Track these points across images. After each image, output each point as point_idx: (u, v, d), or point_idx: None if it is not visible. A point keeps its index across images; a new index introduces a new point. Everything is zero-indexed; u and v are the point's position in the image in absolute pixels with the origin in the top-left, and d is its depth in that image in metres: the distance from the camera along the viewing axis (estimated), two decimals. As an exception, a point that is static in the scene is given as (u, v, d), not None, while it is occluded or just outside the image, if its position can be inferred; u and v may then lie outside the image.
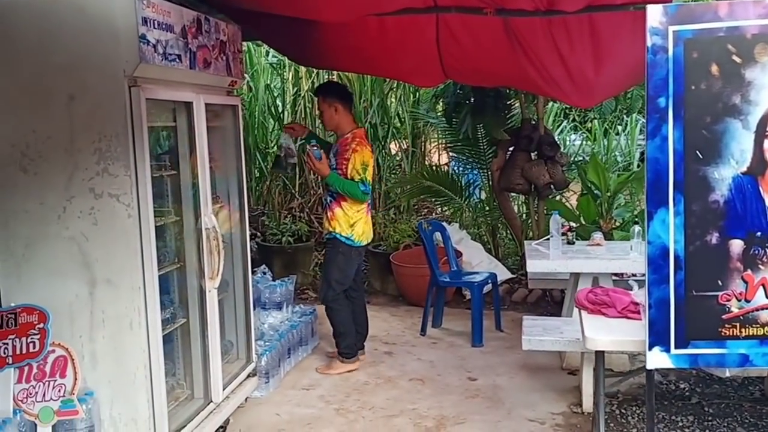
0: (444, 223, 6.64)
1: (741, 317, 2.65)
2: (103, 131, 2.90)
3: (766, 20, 2.52)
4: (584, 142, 9.34)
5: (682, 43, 2.57)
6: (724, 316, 2.66)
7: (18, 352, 2.88)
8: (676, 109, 2.60)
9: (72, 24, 2.86)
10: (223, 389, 3.74)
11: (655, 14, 2.58)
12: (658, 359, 2.71)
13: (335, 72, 7.68)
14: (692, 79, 2.59)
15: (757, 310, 2.64)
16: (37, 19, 2.90)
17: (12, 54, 2.93)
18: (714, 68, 2.57)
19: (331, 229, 4.66)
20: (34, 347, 2.88)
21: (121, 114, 2.88)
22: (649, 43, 2.59)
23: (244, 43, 7.64)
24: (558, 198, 7.20)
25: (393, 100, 8.32)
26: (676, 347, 2.69)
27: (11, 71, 2.95)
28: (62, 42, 2.88)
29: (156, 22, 2.93)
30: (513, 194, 7.13)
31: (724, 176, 2.61)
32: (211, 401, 3.63)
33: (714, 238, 2.63)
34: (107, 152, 2.91)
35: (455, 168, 8.18)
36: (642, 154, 9.20)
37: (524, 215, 7.46)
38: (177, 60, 3.12)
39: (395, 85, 8.01)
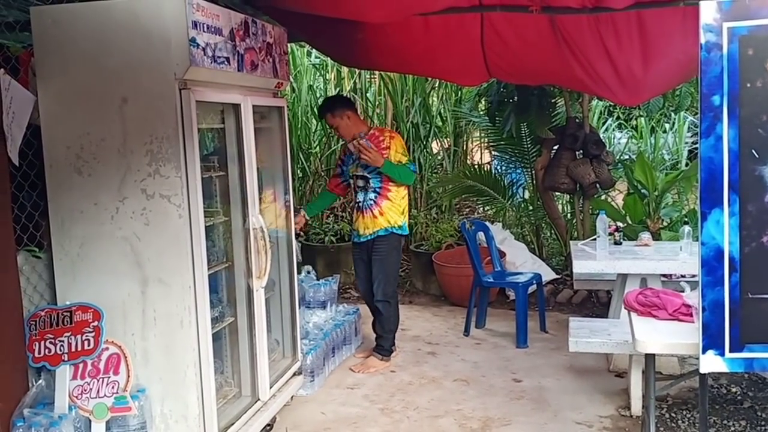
0: (487, 223, 6.61)
1: (798, 320, 2.58)
2: (154, 133, 2.96)
3: (826, 15, 2.44)
4: (630, 140, 9.19)
5: (736, 40, 2.50)
6: (780, 320, 2.59)
7: (73, 349, 2.96)
8: (731, 108, 2.53)
9: (126, 29, 2.93)
10: (270, 387, 3.78)
11: (708, 11, 2.52)
12: (712, 363, 2.65)
13: (377, 72, 7.71)
14: (747, 77, 2.51)
15: (816, 313, 2.56)
16: (94, 24, 2.98)
17: (68, 59, 3.02)
18: (770, 65, 2.50)
19: (383, 226, 4.70)
20: (88, 345, 2.96)
21: (171, 116, 2.94)
22: (702, 40, 2.53)
23: (288, 45, 7.76)
24: (603, 197, 7.11)
25: (435, 99, 8.31)
26: (731, 351, 2.62)
27: (67, 75, 3.03)
28: (116, 46, 2.95)
29: (205, 25, 2.97)
30: (557, 193, 7.06)
31: (781, 176, 2.53)
32: (258, 399, 3.67)
33: (770, 239, 2.56)
34: (158, 154, 2.97)
35: (498, 167, 8.13)
36: (690, 152, 9.02)
37: (569, 215, 7.38)
38: (225, 62, 3.16)
39: (437, 84, 7.99)
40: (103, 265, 3.08)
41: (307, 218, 5.06)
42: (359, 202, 4.77)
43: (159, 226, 3.01)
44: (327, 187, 5.23)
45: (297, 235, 7.54)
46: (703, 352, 2.65)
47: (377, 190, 4.70)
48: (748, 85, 2.52)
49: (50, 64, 3.05)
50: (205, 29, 2.98)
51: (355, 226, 4.87)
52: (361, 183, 4.75)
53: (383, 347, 4.87)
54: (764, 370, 2.99)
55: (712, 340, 2.63)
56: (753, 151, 2.55)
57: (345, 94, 8.08)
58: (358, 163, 4.73)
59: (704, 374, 2.81)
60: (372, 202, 4.71)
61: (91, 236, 3.08)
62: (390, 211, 4.71)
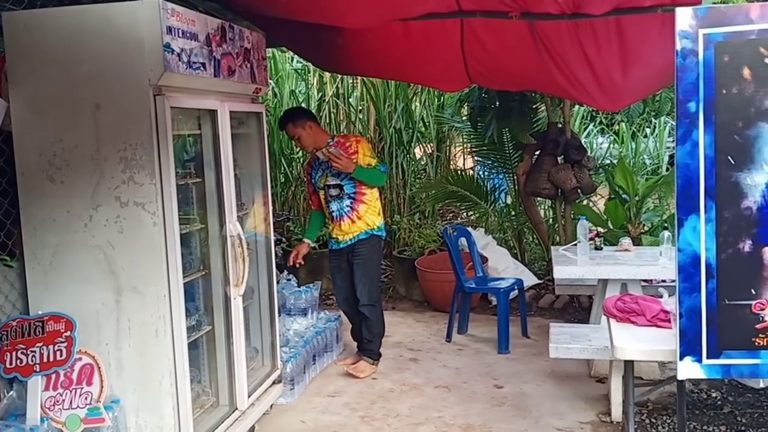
0: (469, 229, 6.60)
1: (775, 327, 2.58)
2: (128, 140, 2.92)
3: (800, 22, 2.45)
4: (611, 146, 9.23)
5: (712, 47, 2.51)
6: (757, 326, 2.59)
7: (45, 360, 2.91)
8: (707, 114, 2.54)
9: (99, 34, 2.90)
10: (249, 396, 3.74)
11: (684, 17, 2.53)
12: (689, 369, 2.65)
13: (359, 77, 7.69)
14: (723, 83, 2.53)
15: (792, 319, 2.57)
16: (67, 30, 2.94)
17: (41, 64, 2.97)
18: (746, 72, 2.51)
19: (363, 229, 4.69)
20: (61, 355, 2.90)
21: (146, 122, 2.90)
22: (678, 47, 2.54)
23: (269, 50, 7.72)
24: (585, 202, 7.13)
25: (417, 104, 8.30)
26: (708, 357, 2.63)
27: (39, 81, 2.99)
28: (90, 52, 2.91)
29: (180, 30, 2.94)
30: (539, 199, 7.06)
31: (756, 182, 2.54)
32: (237, 408, 3.63)
33: (747, 245, 2.57)
34: (133, 161, 2.93)
35: (480, 172, 8.13)
36: (671, 157, 9.07)
37: (551, 220, 7.39)
38: (201, 68, 3.13)
39: (419, 89, 7.99)
40: (77, 274, 3.04)
41: (312, 244, 5.03)
42: (333, 211, 4.73)
43: (133, 234, 2.97)
44: (313, 208, 5.11)
45: (279, 241, 7.54)
46: (681, 358, 2.65)
47: (352, 195, 4.67)
48: (724, 91, 2.54)
49: (22, 70, 3.00)
50: (180, 34, 2.95)
51: (332, 234, 4.81)
52: (334, 192, 4.69)
53: (372, 351, 4.84)
54: (741, 377, 2.99)
55: (689, 347, 2.63)
56: (729, 157, 2.56)
57: (327, 100, 8.07)
58: (328, 172, 4.69)
59: (682, 381, 2.79)
60: (349, 208, 4.68)
61: (64, 245, 3.04)
62: (367, 214, 4.70)
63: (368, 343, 4.85)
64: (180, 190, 3.27)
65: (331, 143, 4.66)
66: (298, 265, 4.94)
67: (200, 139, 3.49)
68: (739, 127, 2.53)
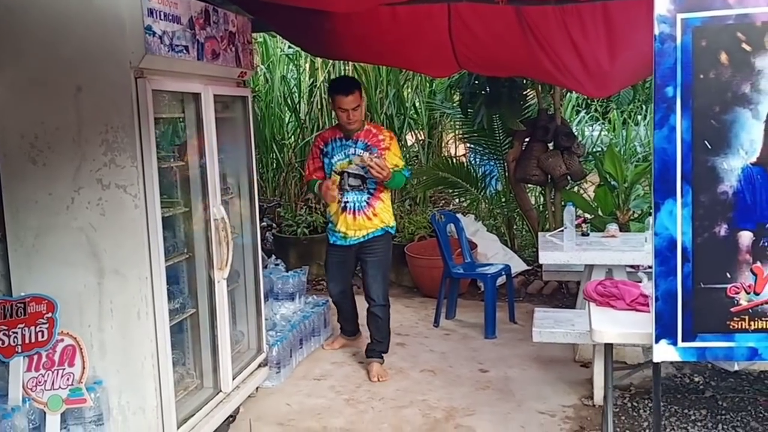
0: (459, 215, 6.61)
1: (750, 310, 2.60)
2: (110, 122, 2.92)
3: (777, 7, 2.46)
4: (602, 133, 9.24)
5: (690, 32, 2.51)
6: (732, 309, 2.61)
7: (27, 341, 2.92)
8: (684, 99, 2.54)
9: (80, 16, 2.88)
10: (233, 379, 3.76)
11: (662, 2, 2.52)
12: (664, 352, 2.67)
13: (350, 63, 7.68)
14: (701, 68, 2.53)
15: (767, 302, 2.58)
16: (48, 11, 2.92)
17: (21, 46, 2.96)
18: (723, 57, 2.51)
19: (379, 226, 4.47)
20: (42, 336, 2.92)
21: (127, 105, 2.90)
22: (656, 32, 2.54)
23: (261, 34, 7.71)
24: (576, 189, 7.14)
25: (409, 90, 8.30)
26: (683, 340, 2.64)
27: (20, 63, 2.98)
28: (70, 34, 2.90)
29: (162, 13, 2.93)
30: (529, 185, 7.08)
31: (733, 167, 2.55)
32: (221, 391, 3.65)
33: (722, 229, 2.58)
34: (114, 143, 2.93)
35: (472, 159, 8.13)
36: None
37: (541, 206, 7.41)
38: (184, 51, 3.13)
39: (411, 75, 7.99)
40: (59, 255, 3.04)
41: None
42: (348, 202, 4.42)
43: (115, 216, 2.97)
44: (311, 177, 4.61)
45: (269, 227, 7.55)
46: (656, 341, 2.67)
47: (372, 191, 4.43)
48: (701, 76, 2.54)
49: (4, 52, 2.99)
50: (162, 17, 2.94)
51: (338, 227, 4.49)
52: (354, 182, 4.39)
53: (383, 351, 4.65)
54: (716, 360, 3.01)
55: (665, 330, 2.65)
56: (706, 142, 2.56)
57: (318, 85, 8.05)
58: (353, 158, 4.40)
59: (658, 363, 2.82)
60: (365, 203, 4.43)
61: (46, 227, 3.04)
62: (383, 212, 4.49)
63: (378, 344, 4.61)
64: (164, 173, 3.28)
65: (375, 151, 4.36)
66: (338, 193, 4.39)
67: (184, 123, 3.49)
68: (716, 112, 2.54)
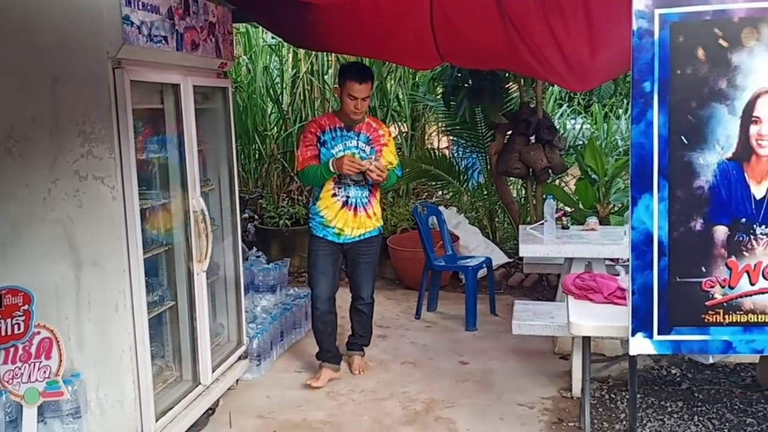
0: (441, 207, 6.63)
1: (724, 304, 2.64)
2: (87, 113, 2.90)
3: (753, 3, 2.48)
4: (584, 126, 9.28)
5: (668, 27, 2.53)
6: (707, 303, 2.64)
7: (3, 333, 2.90)
8: (662, 94, 2.56)
9: (58, 5, 2.86)
10: (213, 371, 3.75)
11: (641, -3, 2.54)
12: (640, 345, 2.70)
13: (334, 54, 7.64)
14: (678, 64, 2.55)
15: (741, 296, 2.62)
16: (22, 0, 2.88)
17: (-3, 35, 2.92)
18: (700, 52, 2.53)
19: (375, 226, 4.32)
20: (19, 329, 2.89)
21: (105, 96, 2.87)
22: (634, 27, 2.56)
23: (243, 25, 7.65)
24: (557, 182, 7.17)
25: (392, 82, 8.27)
26: (659, 333, 2.68)
27: (-4, 52, 2.94)
28: (46, 23, 2.87)
29: (140, 3, 2.91)
30: (511, 178, 7.10)
31: (709, 162, 2.58)
32: (200, 383, 3.64)
33: (698, 224, 2.61)
34: (91, 134, 2.90)
35: (455, 152, 8.14)
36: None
37: (522, 199, 7.44)
38: (163, 41, 3.10)
39: (394, 67, 7.96)
40: (36, 248, 3.01)
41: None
42: (349, 197, 4.18)
43: (92, 208, 2.95)
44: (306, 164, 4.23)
45: (251, 219, 7.52)
46: (633, 334, 2.70)
47: (370, 188, 4.24)
48: (679, 71, 2.56)
49: (-20, 41, 2.95)
50: (141, 7, 2.91)
51: (334, 223, 4.19)
52: (357, 176, 4.12)
53: (365, 344, 4.62)
54: (691, 353, 3.05)
55: (641, 323, 2.69)
56: (682, 137, 2.59)
57: (301, 77, 8.01)
58: (356, 151, 4.15)
59: (634, 356, 2.85)
60: (366, 200, 4.22)
61: (22, 218, 3.01)
62: (378, 211, 4.35)
63: (360, 338, 4.56)
64: (143, 165, 3.26)
65: (376, 158, 4.18)
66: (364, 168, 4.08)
67: (163, 114, 3.46)
68: (692, 108, 2.57)
